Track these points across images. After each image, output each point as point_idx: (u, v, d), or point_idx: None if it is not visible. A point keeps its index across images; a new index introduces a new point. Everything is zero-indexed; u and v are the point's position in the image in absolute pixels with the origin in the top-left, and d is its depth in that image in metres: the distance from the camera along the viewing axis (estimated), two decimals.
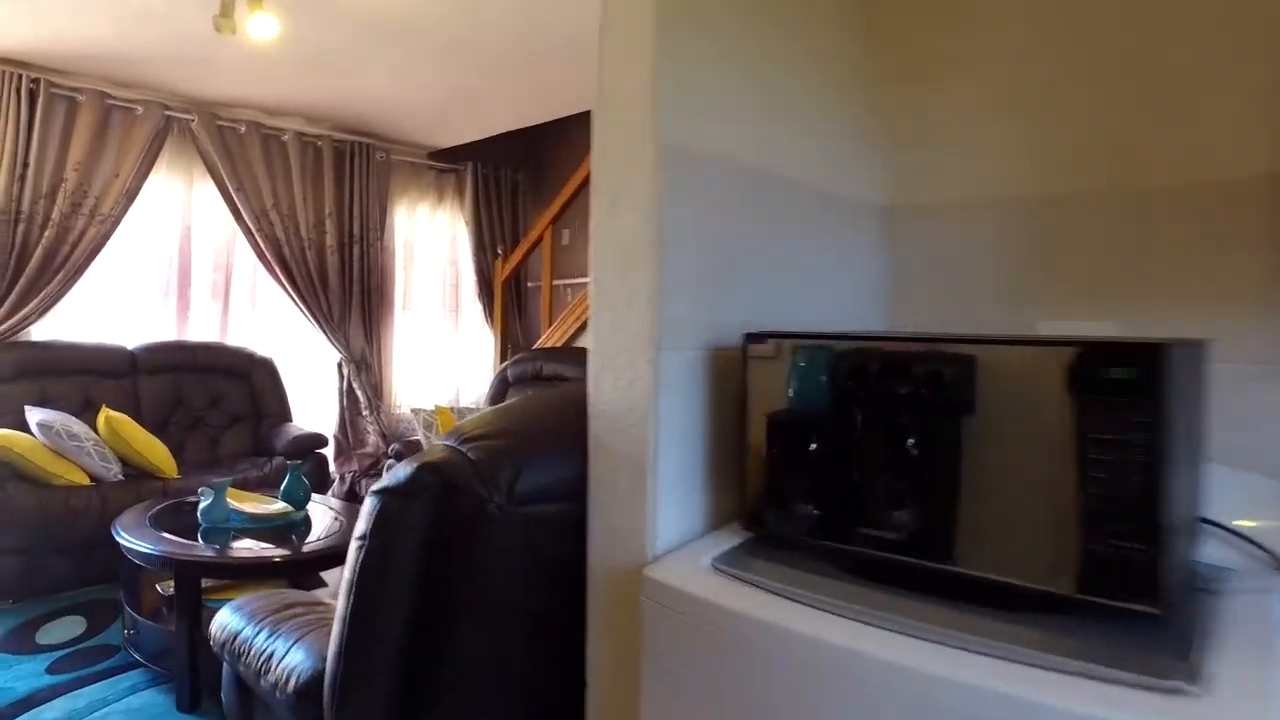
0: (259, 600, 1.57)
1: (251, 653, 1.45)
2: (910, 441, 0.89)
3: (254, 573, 2.35)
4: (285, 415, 4.23)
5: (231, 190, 4.31)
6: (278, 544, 2.48)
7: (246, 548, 2.36)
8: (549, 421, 1.22)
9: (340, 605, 1.16)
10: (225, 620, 1.56)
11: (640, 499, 1.05)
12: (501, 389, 4.04)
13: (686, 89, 1.11)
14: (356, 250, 4.88)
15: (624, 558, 1.07)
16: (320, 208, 4.74)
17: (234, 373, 4.16)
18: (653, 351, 1.05)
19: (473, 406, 5.32)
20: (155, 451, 3.50)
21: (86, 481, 3.28)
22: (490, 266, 5.58)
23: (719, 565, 1.00)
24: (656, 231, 1.05)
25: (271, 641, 1.42)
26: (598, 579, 1.12)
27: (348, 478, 4.89)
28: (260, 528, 2.56)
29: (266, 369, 4.26)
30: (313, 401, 4.85)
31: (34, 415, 3.29)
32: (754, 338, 1.07)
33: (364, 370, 4.97)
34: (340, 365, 4.94)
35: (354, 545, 1.16)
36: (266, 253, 4.46)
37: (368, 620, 1.14)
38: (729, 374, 1.14)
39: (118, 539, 2.46)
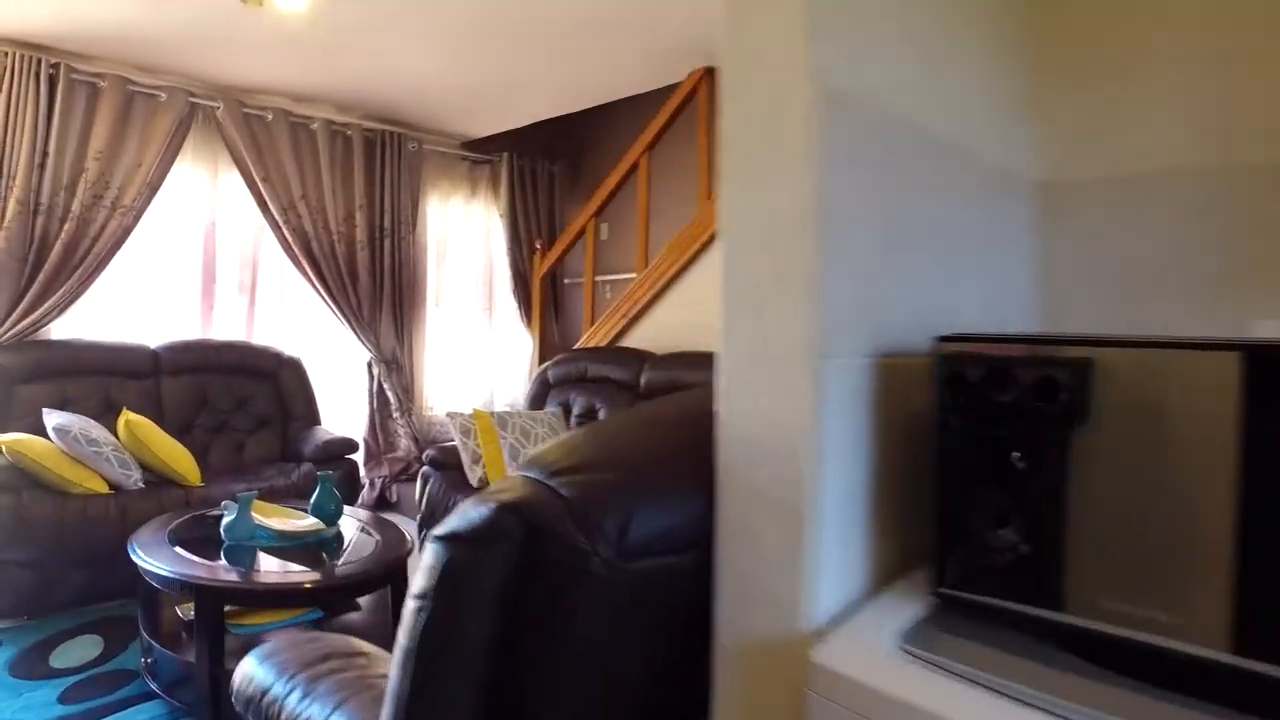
0: (290, 648, 1.33)
1: (282, 716, 1.20)
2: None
3: (282, 599, 2.12)
4: (314, 418, 4.02)
5: (258, 181, 4.11)
6: (307, 564, 2.25)
7: (273, 571, 2.13)
8: (662, 446, 0.97)
9: (394, 680, 0.91)
10: (251, 672, 1.32)
11: (794, 552, 0.79)
12: (542, 390, 3.80)
13: (846, 14, 0.85)
14: (387, 245, 4.66)
15: (769, 629, 0.81)
16: (350, 200, 4.52)
17: (260, 373, 3.96)
18: (811, 359, 0.79)
19: (509, 409, 5.11)
20: (178, 457, 3.29)
21: (105, 489, 3.08)
22: (526, 262, 5.34)
23: (911, 648, 0.73)
24: (816, 200, 0.79)
25: (306, 705, 1.17)
26: (729, 657, 0.86)
27: (378, 483, 4.68)
28: (288, 546, 2.33)
29: (294, 369, 4.05)
30: (341, 403, 4.64)
31: (51, 419, 3.09)
32: (950, 340, 0.80)
33: (395, 370, 4.75)
34: (370, 365, 4.72)
35: (411, 605, 0.91)
36: (294, 247, 4.25)
37: (428, 702, 0.88)
38: (899, 388, 0.88)
39: (134, 557, 2.24)
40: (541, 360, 4.54)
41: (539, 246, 4.65)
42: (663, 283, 3.76)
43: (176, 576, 2.04)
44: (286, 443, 3.86)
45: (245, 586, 2.02)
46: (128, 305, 3.89)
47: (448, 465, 3.49)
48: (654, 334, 3.94)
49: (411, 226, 4.79)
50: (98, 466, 3.07)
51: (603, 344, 4.08)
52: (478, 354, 5.33)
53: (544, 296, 4.68)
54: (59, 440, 3.02)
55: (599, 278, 5.38)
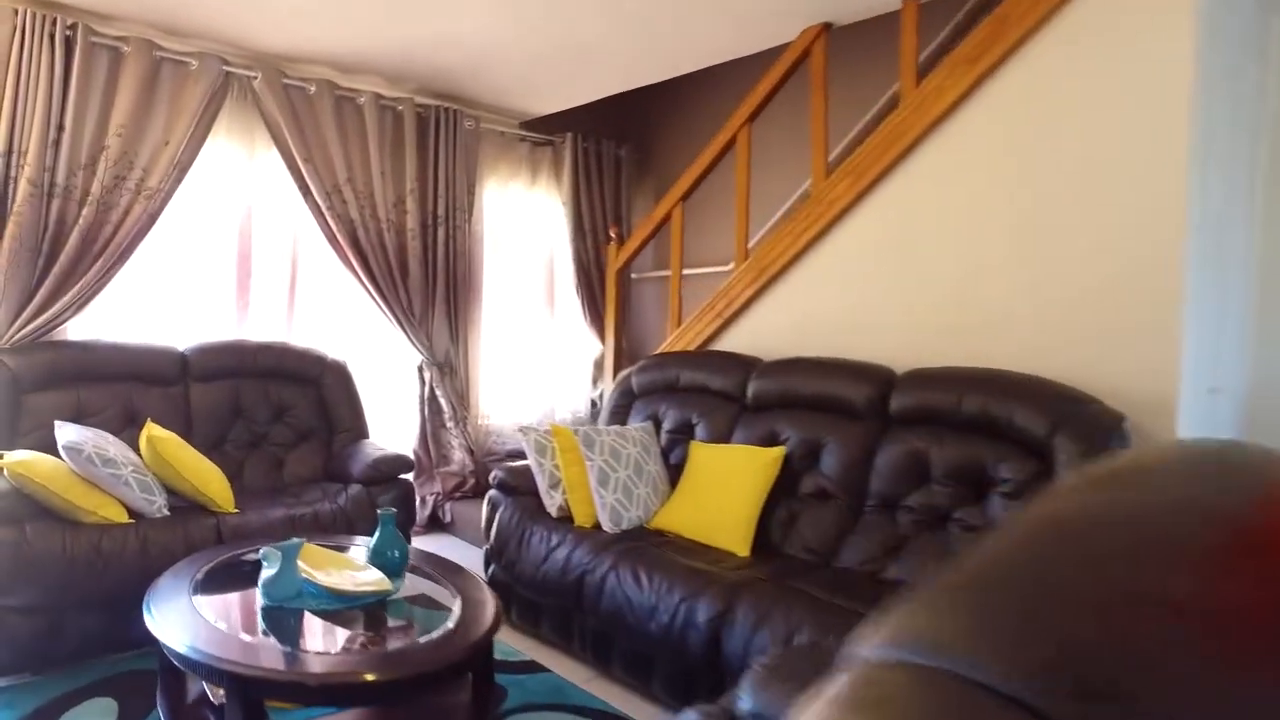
0: None
1: None
2: None
3: (336, 695, 1.61)
4: (361, 431, 3.53)
5: (299, 161, 3.62)
6: (367, 632, 1.74)
7: (325, 654, 1.62)
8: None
9: None
10: None
11: None
12: (625, 401, 3.27)
13: None
14: (441, 234, 4.15)
15: None
16: (400, 183, 4.02)
17: (302, 379, 3.47)
18: None
19: (582, 421, 4.59)
20: (208, 479, 2.81)
21: (124, 518, 2.61)
22: (589, 255, 4.82)
23: None
24: None
25: None
26: None
27: (429, 500, 4.18)
28: (344, 608, 1.82)
29: (339, 375, 3.56)
30: (389, 412, 4.14)
31: (63, 434, 2.62)
32: None
33: (448, 375, 4.25)
34: (421, 369, 4.23)
35: None
36: (339, 236, 3.77)
37: None
38: None
39: (150, 624, 1.75)
40: (616, 366, 4.00)
41: (613, 236, 4.12)
42: (767, 278, 3.21)
43: (205, 660, 1.54)
44: (331, 459, 3.37)
45: (290, 678, 1.51)
46: (153, 302, 3.43)
47: (519, 489, 2.97)
48: (751, 338, 3.39)
49: (467, 214, 4.28)
50: (115, 491, 2.60)
51: (691, 347, 3.54)
52: (538, 357, 4.81)
53: (619, 293, 4.14)
54: (70, 460, 2.55)
55: (668, 272, 4.85)
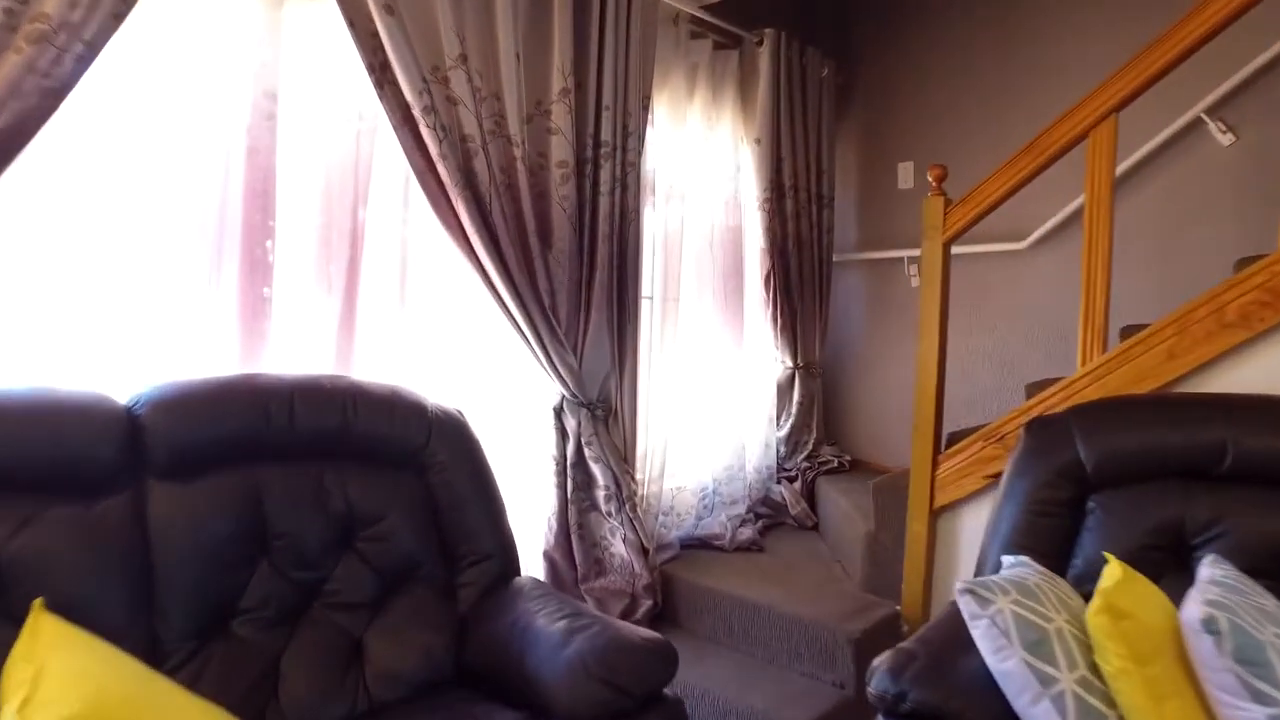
0: None
1: None
2: None
3: None
4: (509, 559, 1.72)
5: (377, 20, 1.81)
6: None
7: None
8: None
9: None
10: None
11: None
12: (1065, 495, 1.50)
13: None
14: (605, 177, 2.36)
15: None
16: (543, 76, 2.23)
17: (389, 455, 1.67)
18: None
19: (756, 476, 2.84)
20: None
21: None
22: (787, 224, 3.07)
23: None
24: None
25: None
26: None
27: None
28: None
29: (458, 443, 1.76)
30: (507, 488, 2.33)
31: None
32: None
33: (604, 422, 2.46)
34: (560, 415, 2.43)
35: None
36: (441, 168, 1.96)
37: None
38: None
39: None
40: (936, 401, 2.20)
41: (935, 180, 2.26)
42: None
43: None
44: (466, 630, 1.56)
45: None
46: (66, 297, 1.59)
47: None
48: (1261, 375, 1.67)
49: (639, 145, 2.49)
50: None
51: (1145, 386, 1.79)
52: (718, 382, 3.02)
53: (945, 280, 2.29)
54: None
55: (891, 253, 3.12)
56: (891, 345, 3.34)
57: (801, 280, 3.20)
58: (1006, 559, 1.60)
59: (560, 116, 2.23)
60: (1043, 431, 1.77)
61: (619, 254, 2.45)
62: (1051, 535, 1.68)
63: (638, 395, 2.60)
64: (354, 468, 1.62)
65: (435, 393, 1.88)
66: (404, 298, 2.11)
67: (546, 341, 2.26)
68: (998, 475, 2.06)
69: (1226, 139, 2.51)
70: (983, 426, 2.12)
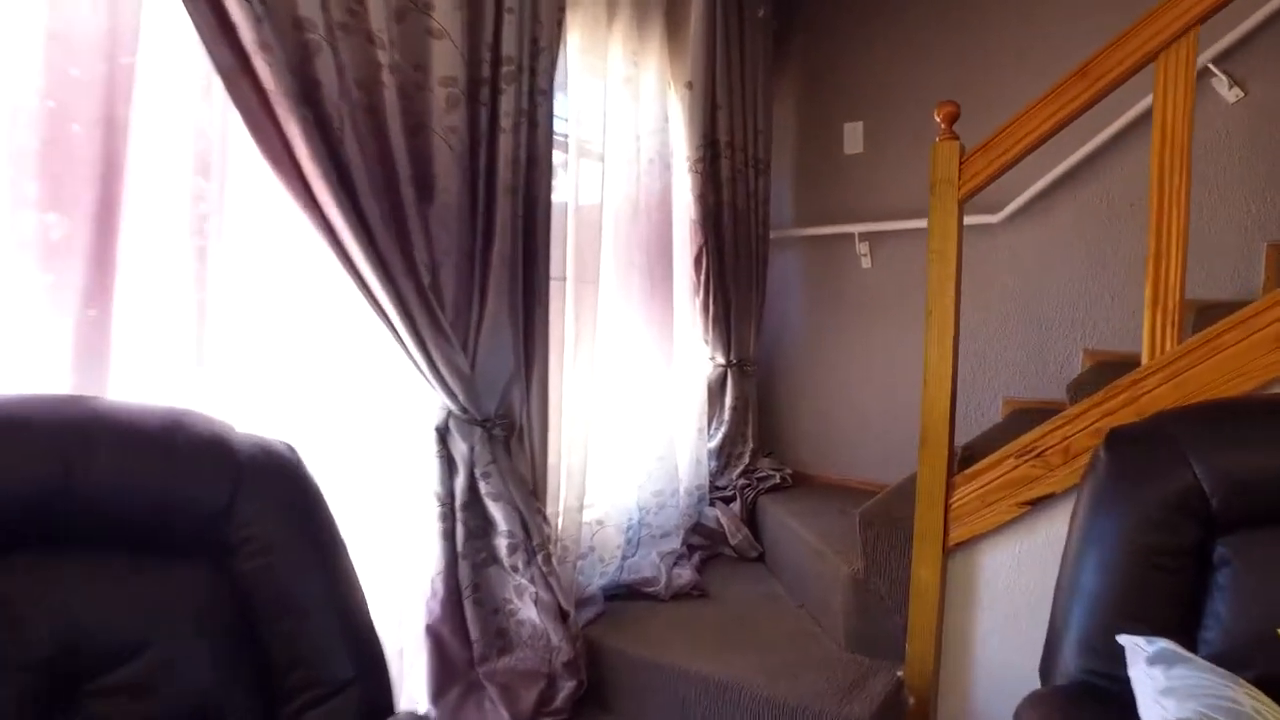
0: None
1: None
2: None
3: None
4: (377, 686, 1.05)
5: None
6: None
7: None
8: None
9: None
10: None
11: None
12: (1193, 537, 0.99)
13: None
14: (507, 105, 1.71)
15: None
16: None
17: (161, 530, 0.95)
18: None
19: (685, 499, 2.29)
20: None
21: None
22: (720, 191, 2.53)
23: None
24: None
25: None
26: None
27: None
28: None
29: (287, 499, 1.06)
30: (365, 542, 1.66)
31: None
32: None
33: (504, 445, 1.82)
34: (446, 435, 1.76)
35: None
36: (263, 68, 1.25)
37: None
38: None
39: None
40: (951, 400, 1.66)
41: (943, 120, 1.71)
42: None
43: None
44: None
45: None
46: None
47: None
48: None
49: (553, 66, 1.85)
50: None
51: (1250, 388, 1.35)
52: (644, 381, 2.43)
53: (959, 239, 1.74)
54: None
55: (837, 228, 2.67)
56: (838, 337, 2.87)
57: (737, 260, 2.66)
58: (1131, 640, 1.09)
59: (446, 13, 1.56)
60: (1136, 449, 1.29)
61: (527, 216, 1.81)
62: (1168, 597, 1.20)
63: (549, 406, 1.96)
64: (88, 560, 0.90)
65: (252, 417, 1.18)
66: (205, 268, 1.38)
67: (425, 335, 1.59)
68: (1036, 502, 1.58)
69: (1233, 94, 2.17)
70: (985, 438, 1.63)
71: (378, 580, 1.66)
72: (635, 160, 2.30)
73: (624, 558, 2.34)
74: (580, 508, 2.11)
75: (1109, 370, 1.98)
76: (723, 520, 2.61)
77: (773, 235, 2.87)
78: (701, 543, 2.59)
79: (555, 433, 2.02)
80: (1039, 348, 2.45)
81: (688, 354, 2.63)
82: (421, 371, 1.65)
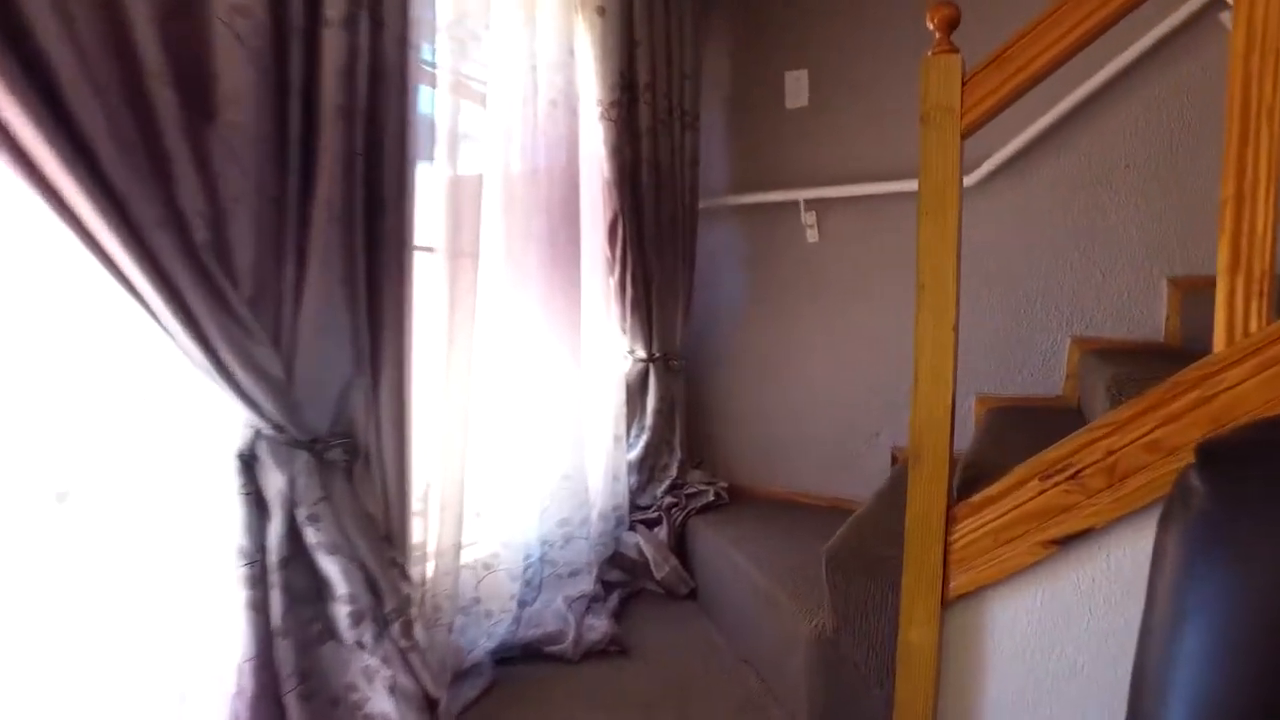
0: None
1: None
2: None
3: None
4: None
5: None
6: None
7: None
8: None
9: None
10: None
11: None
12: None
13: None
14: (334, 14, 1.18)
15: None
16: None
17: None
18: None
19: (594, 530, 1.82)
20: None
21: None
22: (636, 150, 2.07)
23: None
24: None
25: None
26: None
27: None
28: None
29: None
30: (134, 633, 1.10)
31: None
32: None
33: (346, 476, 1.29)
34: (251, 464, 1.21)
35: None
36: None
37: None
38: None
39: None
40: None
41: (941, 31, 1.26)
42: None
43: None
44: None
45: None
46: None
47: None
48: None
49: None
50: None
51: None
52: (550, 396, 1.93)
53: (960, 179, 1.31)
54: None
55: (779, 195, 2.25)
56: (781, 324, 2.43)
57: (660, 231, 2.19)
58: None
59: None
60: (1254, 472, 0.87)
61: (371, 153, 1.28)
62: None
63: (408, 418, 1.44)
64: None
65: None
66: None
67: (202, 317, 1.06)
68: (1068, 540, 1.17)
69: None
70: (977, 452, 1.21)
71: (150, 683, 1.12)
72: (531, 100, 1.79)
73: (522, 605, 1.84)
74: (457, 549, 1.60)
75: (1120, 362, 1.60)
76: (646, 549, 2.14)
77: (703, 204, 2.42)
78: (620, 578, 2.11)
79: (422, 453, 1.50)
80: (1018, 335, 2.07)
81: (601, 346, 2.15)
82: (206, 372, 1.11)
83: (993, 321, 2.11)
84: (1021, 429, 1.69)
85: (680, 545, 2.22)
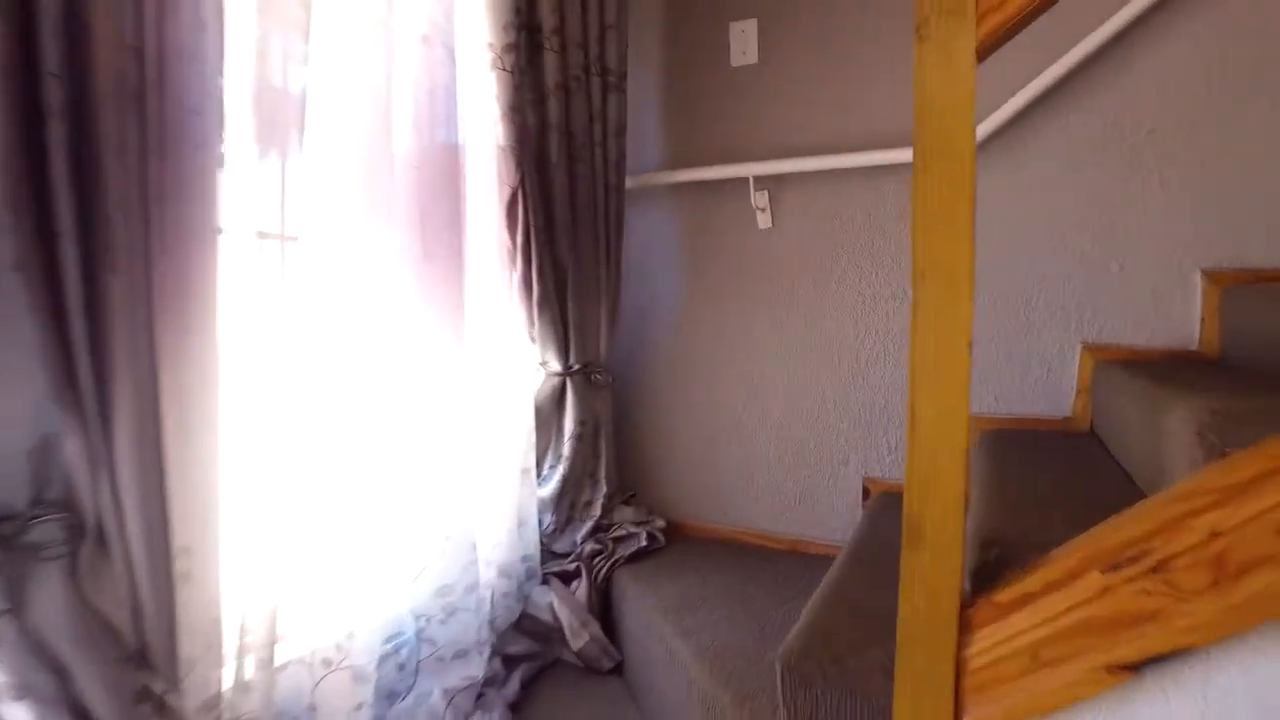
0: None
1: None
2: None
3: None
4: None
5: None
6: None
7: None
8: None
9: None
10: None
11: None
12: None
13: None
14: None
15: None
16: None
17: None
18: None
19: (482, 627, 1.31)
20: None
21: None
22: (541, 111, 1.63)
23: None
24: None
25: None
26: None
27: None
28: None
29: None
30: None
31: None
32: None
33: (69, 570, 0.81)
34: None
35: None
36: None
37: None
38: None
39: None
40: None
41: None
42: None
43: None
44: None
45: None
46: None
47: None
48: None
49: None
50: None
51: None
52: (422, 422, 1.47)
53: (972, 155, 0.89)
54: None
55: (724, 170, 1.82)
56: (726, 329, 2.01)
57: (575, 214, 1.75)
58: None
59: None
60: None
61: (74, 55, 0.82)
62: None
63: (168, 473, 0.98)
64: None
65: None
66: None
67: None
68: (1147, 664, 0.76)
69: None
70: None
71: None
72: (385, 29, 1.33)
73: (391, 700, 1.39)
74: (270, 645, 1.14)
75: (1161, 377, 1.20)
76: (560, 611, 1.70)
77: (632, 182, 1.98)
78: (528, 649, 1.67)
79: (197, 521, 1.03)
80: (1014, 340, 1.68)
81: (502, 358, 1.70)
82: None
83: (981, 323, 1.72)
84: (1035, 464, 1.29)
85: (606, 605, 1.78)
